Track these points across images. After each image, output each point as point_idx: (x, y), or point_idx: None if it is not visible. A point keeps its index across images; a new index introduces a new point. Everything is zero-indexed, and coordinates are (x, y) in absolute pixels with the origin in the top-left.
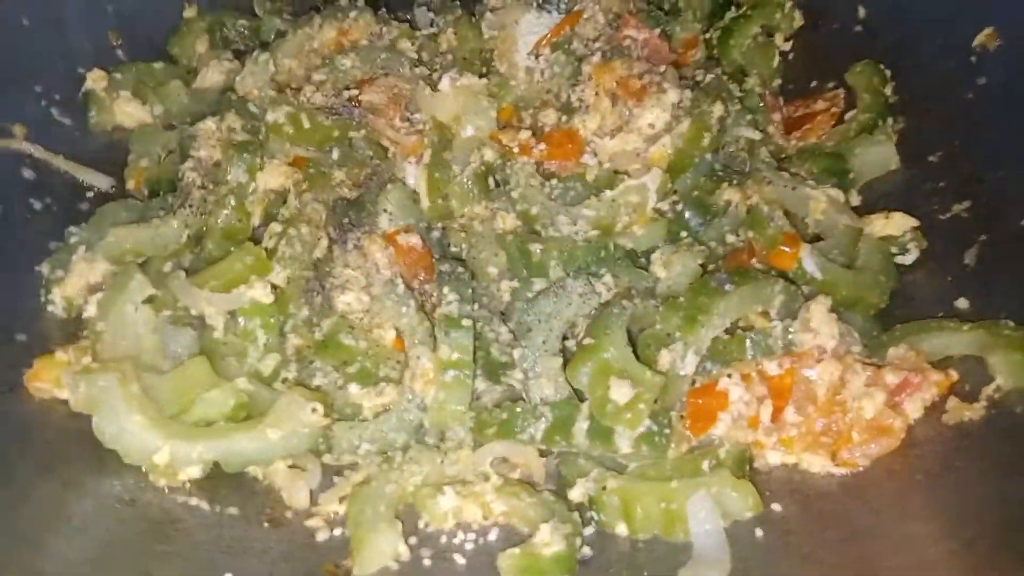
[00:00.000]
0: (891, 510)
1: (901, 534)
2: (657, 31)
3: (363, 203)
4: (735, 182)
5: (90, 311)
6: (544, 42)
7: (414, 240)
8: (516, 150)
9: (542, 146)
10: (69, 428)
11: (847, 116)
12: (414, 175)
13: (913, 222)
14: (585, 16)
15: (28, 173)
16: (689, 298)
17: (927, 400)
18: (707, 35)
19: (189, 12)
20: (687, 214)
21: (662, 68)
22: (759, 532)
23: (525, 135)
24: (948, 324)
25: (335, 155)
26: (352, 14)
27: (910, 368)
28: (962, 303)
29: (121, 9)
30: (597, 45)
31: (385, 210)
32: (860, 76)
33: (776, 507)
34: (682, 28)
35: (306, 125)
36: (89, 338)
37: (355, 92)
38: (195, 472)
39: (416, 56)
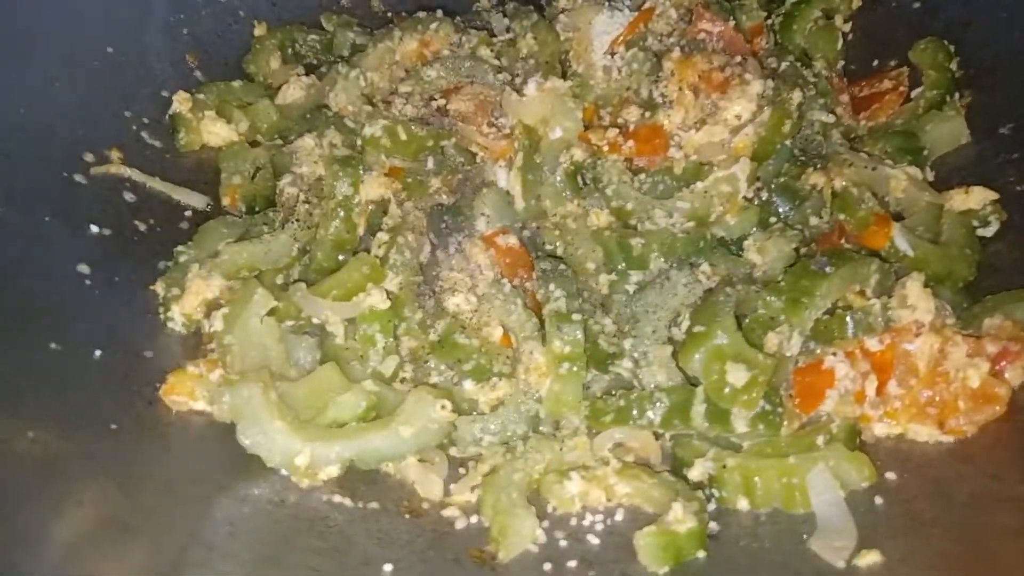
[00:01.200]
0: (1007, 474)
1: (1019, 496)
2: (731, 23)
3: (459, 208)
4: (818, 166)
5: (215, 326)
6: (619, 40)
7: (512, 240)
8: (605, 148)
9: (630, 143)
10: (208, 437)
11: (913, 94)
12: (505, 178)
13: (992, 195)
14: (657, 12)
15: (129, 196)
16: (791, 282)
17: None
18: (768, 21)
19: (259, 30)
20: (776, 200)
21: (739, 59)
22: (879, 500)
23: (613, 133)
24: None
25: (430, 164)
26: (432, 25)
27: (1008, 337)
28: None
29: (196, 31)
30: (672, 40)
31: (483, 213)
32: (924, 53)
33: (891, 475)
34: (748, 17)
35: (402, 137)
36: (217, 351)
37: (443, 102)
38: (334, 471)
39: (498, 62)
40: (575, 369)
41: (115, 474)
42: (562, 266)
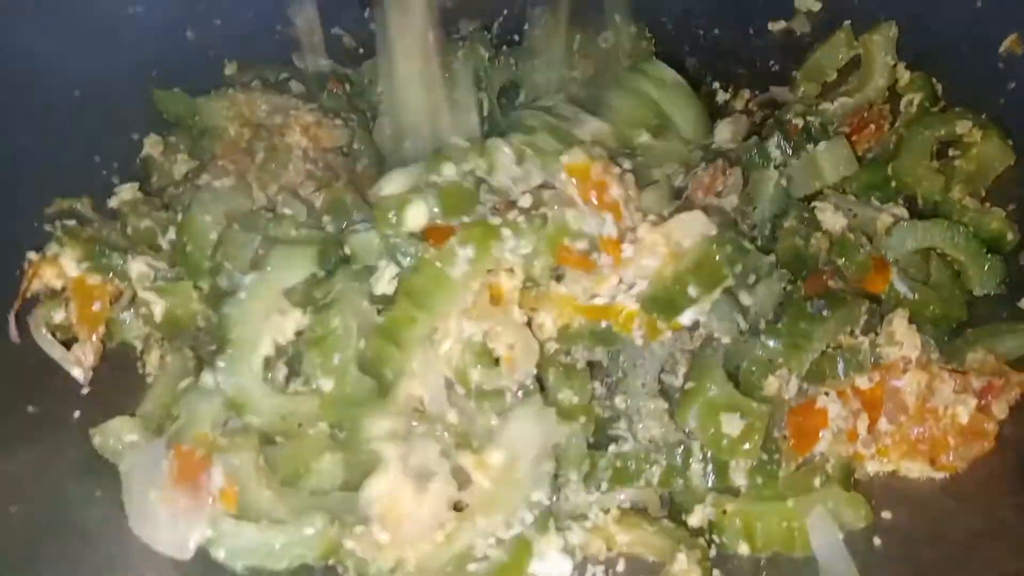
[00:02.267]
0: (1000, 512)
1: (1016, 534)
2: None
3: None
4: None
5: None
6: None
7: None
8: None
9: None
10: None
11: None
12: None
13: None
14: None
15: None
16: (789, 325)
17: (1011, 400)
18: None
19: (230, 69)
20: (786, 263)
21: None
22: (877, 541)
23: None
24: (1019, 326)
25: None
26: None
27: (991, 372)
28: None
29: (166, 73)
30: None
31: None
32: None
33: (886, 515)
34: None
35: None
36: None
37: None
38: None
39: None
40: (584, 421)
41: None
42: None
